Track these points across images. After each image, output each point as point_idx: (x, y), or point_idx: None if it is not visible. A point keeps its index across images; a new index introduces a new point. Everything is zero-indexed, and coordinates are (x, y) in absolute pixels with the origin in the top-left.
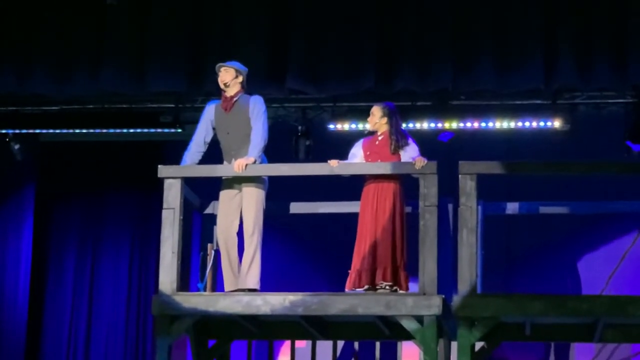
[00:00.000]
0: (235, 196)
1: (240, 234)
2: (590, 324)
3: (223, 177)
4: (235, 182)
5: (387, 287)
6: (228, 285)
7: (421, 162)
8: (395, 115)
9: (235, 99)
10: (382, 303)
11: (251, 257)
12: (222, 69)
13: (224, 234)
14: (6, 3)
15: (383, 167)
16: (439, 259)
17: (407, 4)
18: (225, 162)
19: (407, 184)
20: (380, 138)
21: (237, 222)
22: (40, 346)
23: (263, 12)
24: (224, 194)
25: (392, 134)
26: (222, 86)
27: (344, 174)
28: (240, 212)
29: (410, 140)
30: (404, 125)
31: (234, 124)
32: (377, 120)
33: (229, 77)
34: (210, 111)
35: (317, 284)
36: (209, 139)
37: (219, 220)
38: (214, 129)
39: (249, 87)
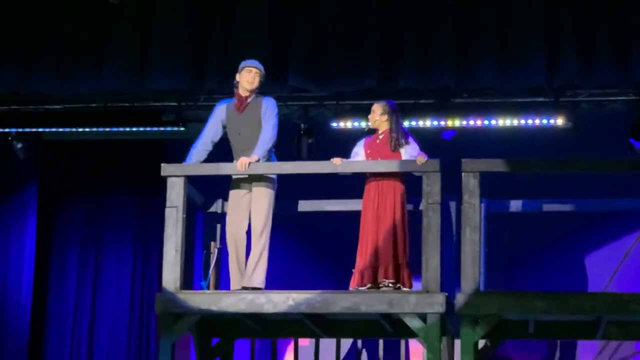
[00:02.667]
0: (244, 195)
1: (248, 233)
2: (593, 322)
3: (233, 177)
4: (245, 181)
5: (390, 285)
6: (234, 284)
7: (422, 159)
8: (395, 113)
9: (249, 100)
10: (385, 301)
11: (258, 256)
12: (255, 71)
13: (233, 233)
14: (8, 1)
15: (386, 165)
16: (442, 256)
17: (410, 2)
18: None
19: (410, 182)
20: (380, 137)
21: (247, 222)
22: (43, 344)
23: (265, 10)
24: (233, 194)
25: (392, 132)
26: (248, 86)
27: (346, 172)
28: (249, 211)
29: (410, 139)
30: (406, 123)
31: (246, 124)
32: (377, 117)
33: (258, 82)
34: (221, 111)
35: (320, 282)
36: (217, 139)
37: (228, 219)
38: (224, 127)
39: None
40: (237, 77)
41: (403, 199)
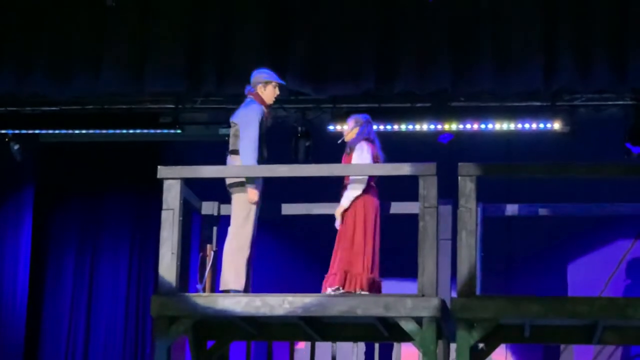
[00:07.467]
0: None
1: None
2: (589, 326)
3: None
4: None
5: (333, 291)
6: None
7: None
8: (366, 126)
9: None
10: (381, 304)
11: None
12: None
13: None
14: (6, 3)
15: (380, 169)
16: (438, 260)
17: (407, 6)
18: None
19: (406, 186)
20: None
21: None
22: (39, 347)
23: (263, 13)
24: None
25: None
26: (271, 102)
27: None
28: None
29: (359, 144)
30: (403, 127)
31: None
32: (348, 131)
33: None
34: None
35: (316, 286)
36: None
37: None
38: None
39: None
40: (261, 87)
41: (364, 206)
